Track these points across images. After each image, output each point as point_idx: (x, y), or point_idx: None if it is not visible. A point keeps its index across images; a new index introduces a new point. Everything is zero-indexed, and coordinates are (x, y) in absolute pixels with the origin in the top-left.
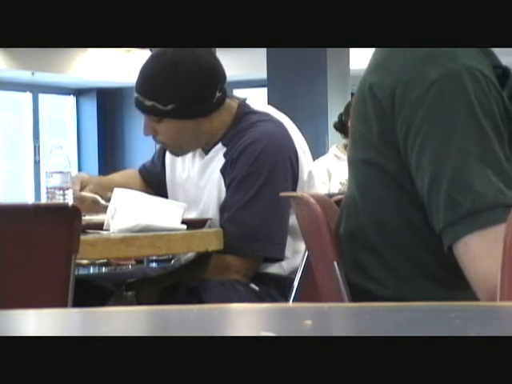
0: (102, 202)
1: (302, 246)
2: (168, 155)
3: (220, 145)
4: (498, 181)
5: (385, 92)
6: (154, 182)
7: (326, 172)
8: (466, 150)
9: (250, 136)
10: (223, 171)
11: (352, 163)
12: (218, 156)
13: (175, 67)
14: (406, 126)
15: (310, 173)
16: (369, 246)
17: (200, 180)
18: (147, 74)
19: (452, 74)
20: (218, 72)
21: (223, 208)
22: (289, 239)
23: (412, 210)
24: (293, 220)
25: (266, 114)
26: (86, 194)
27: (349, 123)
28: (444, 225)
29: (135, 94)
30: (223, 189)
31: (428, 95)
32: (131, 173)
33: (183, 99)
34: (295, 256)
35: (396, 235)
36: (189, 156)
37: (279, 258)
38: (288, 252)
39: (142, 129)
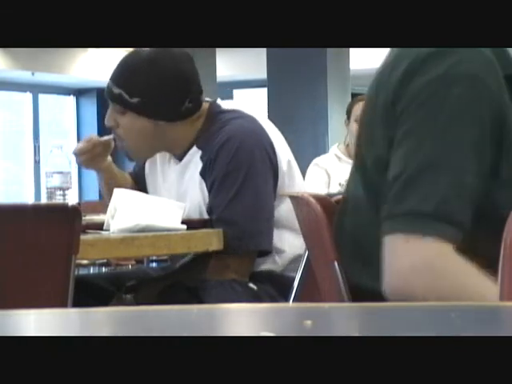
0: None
1: (290, 237)
2: (147, 165)
3: (195, 148)
4: (451, 192)
5: (390, 87)
6: (142, 186)
7: (324, 171)
8: (435, 156)
9: (223, 135)
10: (203, 174)
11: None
12: (194, 159)
13: (151, 62)
14: (400, 120)
15: (289, 162)
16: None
17: (180, 186)
18: (122, 64)
19: (448, 76)
20: (192, 82)
21: (209, 210)
22: (276, 232)
23: None
24: (277, 212)
25: (237, 111)
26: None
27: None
28: (384, 215)
29: (108, 81)
30: (206, 192)
31: (422, 93)
32: (128, 176)
33: (150, 95)
34: (285, 248)
35: None
36: (165, 162)
37: (269, 250)
38: (278, 244)
39: (105, 119)
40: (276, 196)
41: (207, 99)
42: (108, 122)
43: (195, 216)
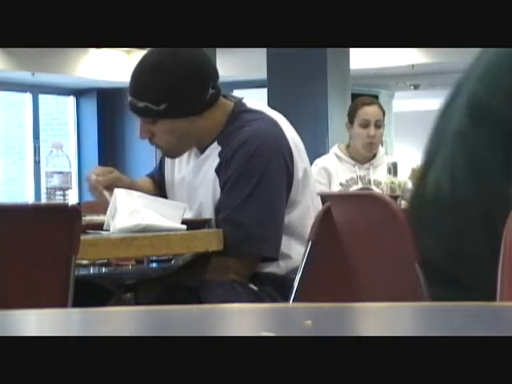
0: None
1: (298, 245)
2: (167, 160)
3: (215, 143)
4: None
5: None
6: (163, 187)
7: (324, 171)
8: None
9: (243, 135)
10: (218, 171)
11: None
12: (213, 155)
13: (161, 66)
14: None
15: (305, 171)
16: None
17: (194, 179)
18: (136, 77)
19: None
20: (208, 68)
21: (218, 208)
22: (285, 238)
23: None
24: (288, 219)
25: (261, 113)
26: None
27: None
28: None
29: (128, 98)
30: (218, 189)
31: None
32: (147, 179)
33: (174, 97)
34: (292, 255)
35: None
36: (185, 155)
37: (274, 257)
38: (285, 251)
39: (138, 132)
40: (288, 203)
41: (234, 96)
42: (143, 135)
43: (204, 212)
